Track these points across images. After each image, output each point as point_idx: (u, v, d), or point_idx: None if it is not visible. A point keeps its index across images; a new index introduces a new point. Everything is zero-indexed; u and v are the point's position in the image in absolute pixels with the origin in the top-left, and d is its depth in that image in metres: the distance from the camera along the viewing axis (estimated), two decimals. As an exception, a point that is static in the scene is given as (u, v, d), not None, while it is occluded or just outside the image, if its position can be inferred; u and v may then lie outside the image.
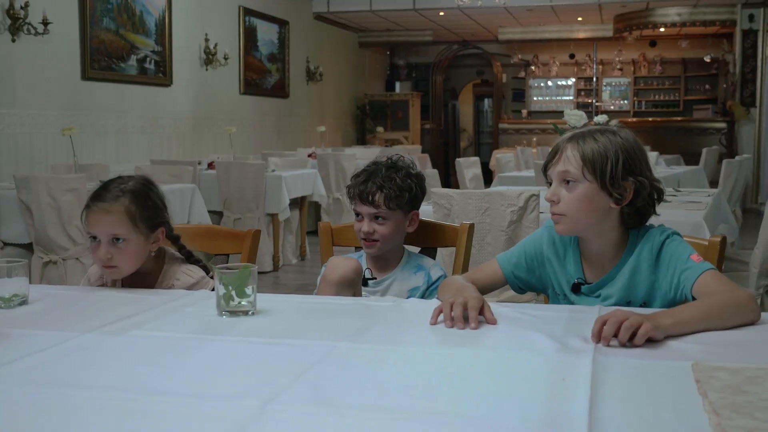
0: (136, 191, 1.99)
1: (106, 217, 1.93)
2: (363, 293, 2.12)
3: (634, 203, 1.74)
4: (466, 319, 1.53)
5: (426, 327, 1.54)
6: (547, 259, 1.88)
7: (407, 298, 2.09)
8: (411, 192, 2.14)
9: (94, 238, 1.95)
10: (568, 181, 1.74)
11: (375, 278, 2.18)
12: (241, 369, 1.28)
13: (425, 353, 1.37)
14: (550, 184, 1.79)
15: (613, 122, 6.55)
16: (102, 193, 1.97)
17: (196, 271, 2.05)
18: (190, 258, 2.10)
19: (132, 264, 1.98)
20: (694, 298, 1.63)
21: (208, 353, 1.39)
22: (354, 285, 1.97)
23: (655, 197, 1.77)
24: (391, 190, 2.10)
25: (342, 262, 1.97)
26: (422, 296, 2.14)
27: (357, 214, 2.16)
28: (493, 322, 1.55)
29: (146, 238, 1.98)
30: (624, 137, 1.75)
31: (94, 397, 1.14)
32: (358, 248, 2.31)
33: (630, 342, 1.36)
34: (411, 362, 1.32)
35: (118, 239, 1.93)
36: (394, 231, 2.14)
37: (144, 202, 1.99)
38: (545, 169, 1.81)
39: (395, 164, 2.17)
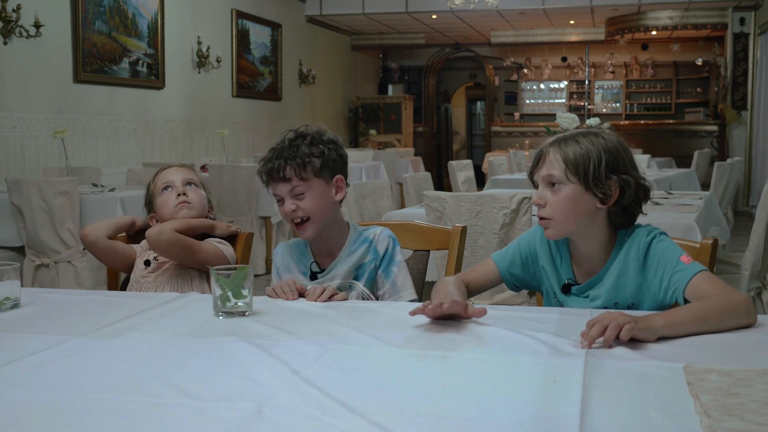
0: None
1: (179, 168, 2.38)
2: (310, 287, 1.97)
3: (621, 202, 1.75)
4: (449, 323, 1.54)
5: (420, 330, 1.54)
6: (540, 257, 1.89)
7: (354, 278, 2.01)
8: (323, 157, 1.94)
9: (166, 189, 2.32)
10: (553, 184, 1.76)
11: (322, 270, 2.03)
12: (238, 370, 1.28)
13: (418, 355, 1.38)
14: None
15: (605, 125, 6.56)
16: (167, 163, 2.45)
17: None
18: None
19: (200, 206, 2.34)
20: (687, 301, 1.63)
21: (204, 355, 1.38)
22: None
23: (642, 196, 1.78)
24: (298, 158, 1.92)
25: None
26: (374, 276, 2.02)
27: (277, 200, 1.99)
28: (479, 313, 1.58)
29: (206, 198, 2.39)
30: (607, 138, 1.77)
31: (88, 400, 1.13)
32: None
33: (616, 340, 1.37)
34: (404, 364, 1.32)
35: (191, 184, 2.35)
36: (319, 203, 1.95)
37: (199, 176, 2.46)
38: (531, 174, 1.84)
39: (300, 134, 1.97)
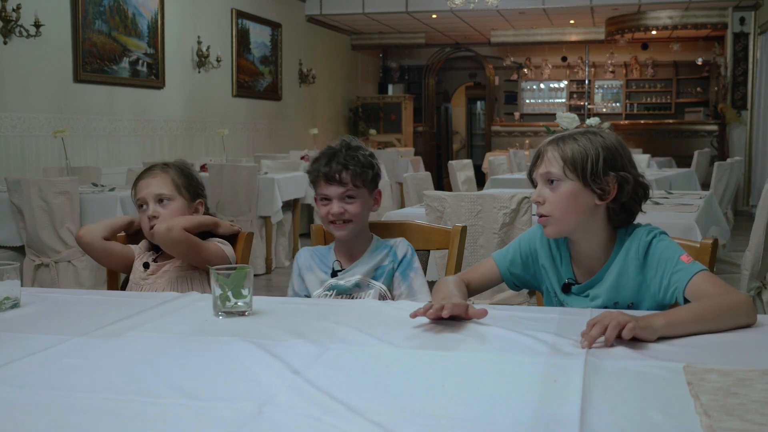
0: (179, 165, 2.38)
1: (153, 181, 2.28)
2: (330, 283, 2.11)
3: (619, 199, 1.76)
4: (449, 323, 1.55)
5: (420, 329, 1.54)
6: (540, 256, 1.89)
7: (372, 278, 2.11)
8: (373, 169, 2.13)
9: (141, 206, 2.27)
10: (551, 181, 1.77)
11: (343, 268, 2.15)
12: (238, 370, 1.28)
13: (418, 355, 1.38)
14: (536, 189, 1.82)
15: (605, 125, 6.55)
16: (150, 168, 2.35)
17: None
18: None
19: None
20: (687, 300, 1.63)
21: (204, 355, 1.38)
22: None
23: (641, 194, 1.79)
24: (357, 167, 2.08)
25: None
26: (391, 276, 2.13)
27: (323, 199, 2.12)
28: (480, 314, 1.58)
29: (188, 203, 2.31)
30: (605, 136, 1.78)
31: (88, 400, 1.13)
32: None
33: (617, 339, 1.37)
34: (404, 364, 1.32)
35: (162, 200, 2.25)
36: (362, 209, 2.12)
37: (185, 173, 2.36)
38: (530, 173, 1.85)
39: (350, 145, 2.14)
